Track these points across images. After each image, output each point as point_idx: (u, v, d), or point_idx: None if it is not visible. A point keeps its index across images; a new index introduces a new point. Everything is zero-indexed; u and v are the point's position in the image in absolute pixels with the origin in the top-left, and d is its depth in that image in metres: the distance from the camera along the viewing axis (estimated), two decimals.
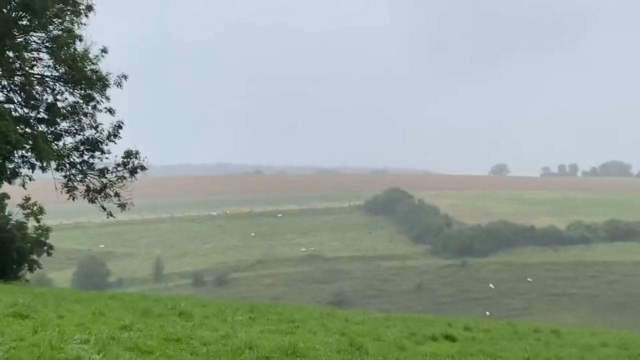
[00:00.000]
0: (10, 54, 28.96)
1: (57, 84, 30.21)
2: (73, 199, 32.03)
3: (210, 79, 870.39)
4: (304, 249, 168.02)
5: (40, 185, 31.65)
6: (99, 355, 10.14)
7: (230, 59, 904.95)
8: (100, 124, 31.11)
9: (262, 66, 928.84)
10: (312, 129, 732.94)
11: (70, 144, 31.26)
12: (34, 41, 29.45)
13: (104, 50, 30.41)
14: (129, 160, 31.70)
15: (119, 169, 31.76)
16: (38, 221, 36.33)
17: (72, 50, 29.53)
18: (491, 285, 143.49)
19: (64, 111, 30.46)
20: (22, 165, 30.04)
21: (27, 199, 35.67)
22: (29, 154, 29.69)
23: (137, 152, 31.69)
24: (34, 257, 36.06)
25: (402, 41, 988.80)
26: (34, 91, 29.67)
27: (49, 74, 30.05)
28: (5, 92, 29.78)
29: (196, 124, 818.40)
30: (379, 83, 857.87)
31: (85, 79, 29.74)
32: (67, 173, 31.43)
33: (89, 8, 29.84)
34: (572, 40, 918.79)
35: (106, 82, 30.22)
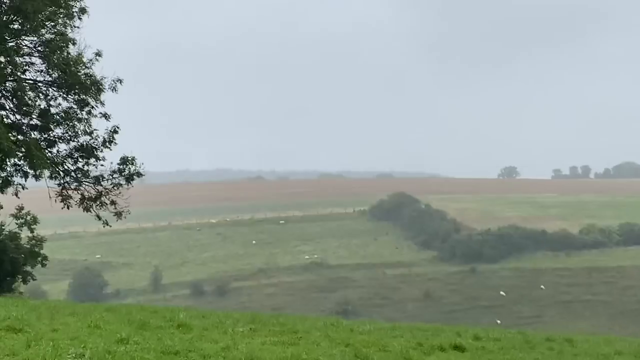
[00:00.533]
0: (2, 58, 29.04)
1: (50, 89, 30.29)
2: (67, 208, 32.06)
3: (209, 82, 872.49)
4: (307, 257, 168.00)
5: (34, 194, 31.72)
6: None
7: (231, 62, 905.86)
8: (95, 129, 31.18)
9: (263, 69, 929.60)
10: (314, 132, 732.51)
11: (64, 151, 31.31)
12: (26, 45, 29.54)
13: (98, 54, 30.49)
14: (125, 166, 31.72)
15: (114, 176, 31.78)
16: (32, 231, 36.33)
17: (66, 54, 29.61)
18: (502, 293, 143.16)
19: (58, 117, 30.53)
20: (14, 173, 30.11)
21: (20, 208, 35.69)
22: (22, 162, 29.75)
23: (133, 158, 31.71)
24: (28, 268, 36.04)
25: (406, 42, 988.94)
26: (26, 97, 29.74)
27: (42, 78, 30.15)
28: None
29: (195, 128, 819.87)
30: (383, 85, 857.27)
31: (79, 83, 29.80)
32: (61, 181, 31.47)
33: (83, 11, 29.92)
34: (584, 38, 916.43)
35: (101, 86, 30.29)
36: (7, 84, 29.62)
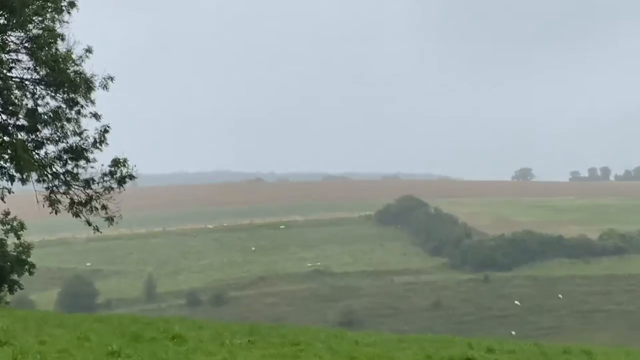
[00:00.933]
0: None
1: (37, 87, 30.34)
2: (56, 213, 32.08)
3: (207, 80, 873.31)
4: (309, 264, 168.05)
5: (21, 198, 31.81)
6: None
7: (229, 59, 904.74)
8: (85, 130, 31.16)
9: (262, 67, 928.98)
10: (317, 132, 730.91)
11: (52, 153, 31.32)
12: (12, 41, 29.61)
13: (89, 50, 30.50)
14: (116, 169, 31.72)
15: (105, 178, 31.78)
16: (18, 237, 36.34)
17: (54, 50, 29.65)
18: (516, 302, 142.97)
19: (46, 117, 30.56)
20: (0, 177, 30.16)
21: (7, 213, 35.72)
22: (8, 164, 29.81)
23: (125, 160, 31.71)
24: (15, 277, 36.07)
25: (411, 39, 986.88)
26: (12, 96, 29.82)
27: (29, 76, 30.19)
28: None
29: (191, 128, 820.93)
30: (391, 83, 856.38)
31: (68, 81, 29.84)
32: (50, 184, 31.50)
33: (72, 4, 29.96)
34: (605, 35, 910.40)
35: (91, 84, 30.30)
36: None
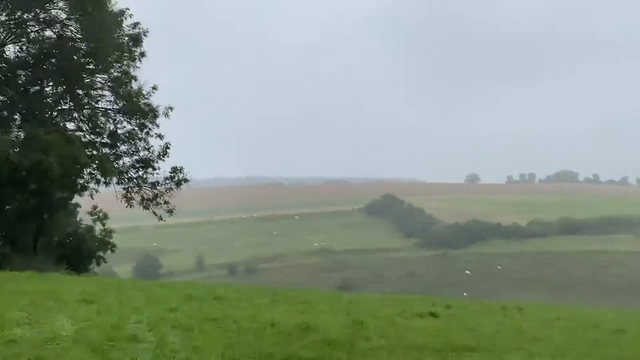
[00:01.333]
0: (80, 92, 29.28)
1: (117, 115, 30.49)
2: (131, 207, 32.20)
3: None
4: (316, 244, 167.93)
5: (105, 196, 31.88)
6: (150, 332, 10.07)
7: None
8: (152, 146, 31.30)
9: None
10: (315, 141, 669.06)
11: (128, 163, 31.46)
12: (99, 81, 29.80)
13: (154, 88, 30.67)
14: (175, 174, 31.85)
15: (167, 181, 31.89)
16: (103, 225, 36.24)
17: (129, 88, 29.83)
18: (467, 272, 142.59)
19: (123, 137, 30.71)
20: (90, 180, 30.25)
21: (95, 207, 35.68)
22: (95, 171, 29.90)
23: (181, 168, 31.92)
24: (101, 254, 36.00)
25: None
26: (99, 121, 29.97)
27: (111, 107, 30.35)
28: (76, 122, 30.14)
29: (221, 138, 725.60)
30: (369, 94, 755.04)
31: (140, 110, 29.99)
32: (126, 186, 31.63)
33: (142, 54, 30.22)
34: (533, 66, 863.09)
35: (156, 113, 30.47)
36: (84, 111, 29.86)
